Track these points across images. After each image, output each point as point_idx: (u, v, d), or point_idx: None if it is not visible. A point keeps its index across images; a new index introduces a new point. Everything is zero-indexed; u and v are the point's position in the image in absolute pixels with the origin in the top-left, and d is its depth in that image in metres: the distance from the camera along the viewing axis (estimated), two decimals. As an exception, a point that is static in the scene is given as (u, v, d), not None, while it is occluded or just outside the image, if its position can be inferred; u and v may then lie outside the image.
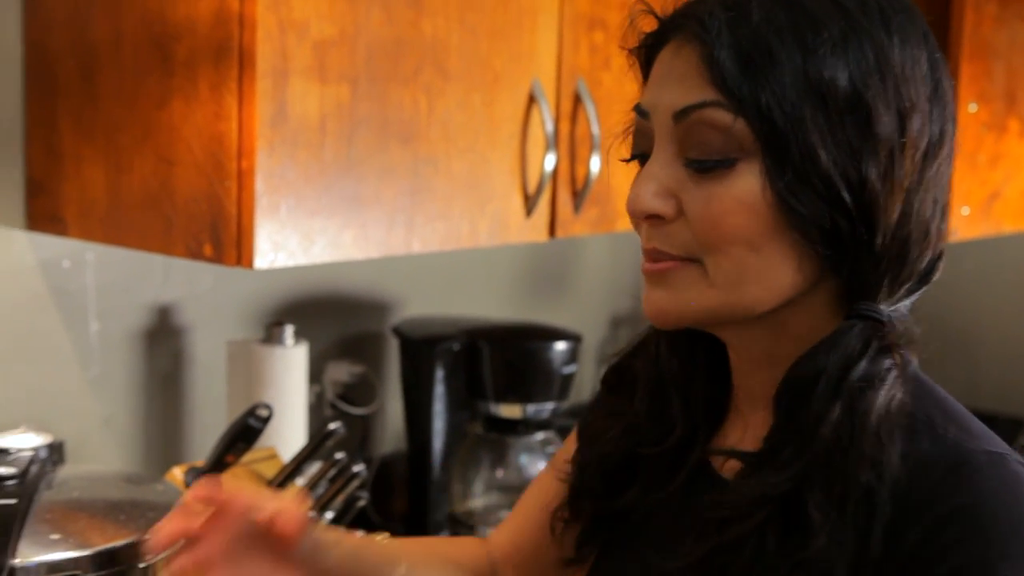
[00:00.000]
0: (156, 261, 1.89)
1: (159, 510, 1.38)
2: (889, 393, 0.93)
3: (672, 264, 0.97)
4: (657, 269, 0.98)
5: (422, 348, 2.11)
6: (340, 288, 2.21)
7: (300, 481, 1.71)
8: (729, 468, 1.03)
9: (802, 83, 0.92)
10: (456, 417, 2.13)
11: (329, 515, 1.60)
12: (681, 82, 0.96)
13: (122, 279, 1.86)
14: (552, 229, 1.86)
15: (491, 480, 2.11)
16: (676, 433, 1.08)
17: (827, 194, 0.92)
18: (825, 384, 0.93)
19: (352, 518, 1.67)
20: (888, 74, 0.93)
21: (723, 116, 0.93)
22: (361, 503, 1.61)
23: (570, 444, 1.22)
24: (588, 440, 1.16)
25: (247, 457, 1.66)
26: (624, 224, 2.01)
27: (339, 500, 1.62)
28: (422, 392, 2.11)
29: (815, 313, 0.98)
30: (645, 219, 0.99)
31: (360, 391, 2.21)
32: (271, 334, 1.89)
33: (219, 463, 1.59)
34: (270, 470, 1.71)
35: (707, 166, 0.94)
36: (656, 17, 1.02)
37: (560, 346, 2.09)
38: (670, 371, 1.09)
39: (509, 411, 2.10)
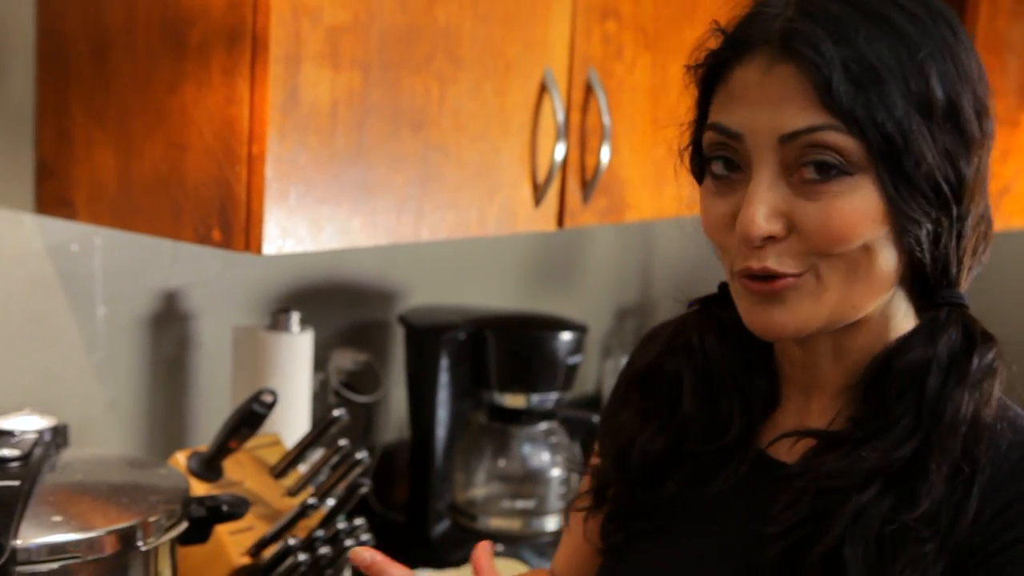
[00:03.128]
0: (164, 246, 1.88)
1: (162, 494, 1.38)
2: (1000, 379, 1.03)
3: (788, 281, 1.00)
4: (773, 289, 1.01)
5: (427, 337, 2.10)
6: (347, 276, 2.21)
7: (303, 468, 1.71)
8: (793, 452, 1.07)
9: (908, 99, 0.97)
10: (460, 406, 2.13)
11: (331, 502, 1.60)
12: (782, 105, 0.98)
13: (130, 264, 1.85)
14: (561, 219, 1.86)
15: (494, 470, 2.10)
16: (734, 429, 1.11)
17: (935, 196, 0.98)
18: (937, 369, 1.01)
19: (354, 505, 1.67)
20: (967, 79, 1.00)
21: (839, 138, 0.96)
22: (363, 490, 1.60)
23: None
24: (615, 438, 1.17)
25: (251, 443, 1.66)
26: (632, 215, 2.01)
27: (341, 487, 1.61)
28: (426, 381, 2.11)
29: (892, 305, 1.04)
30: (759, 241, 1.00)
31: (365, 379, 2.21)
32: (277, 321, 1.88)
33: (223, 448, 1.59)
34: (273, 456, 1.71)
35: (823, 184, 0.98)
36: (725, 34, 1.03)
37: (565, 336, 2.09)
38: (725, 367, 1.12)
39: (513, 401, 2.10)
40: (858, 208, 0.97)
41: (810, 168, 0.97)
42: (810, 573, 0.99)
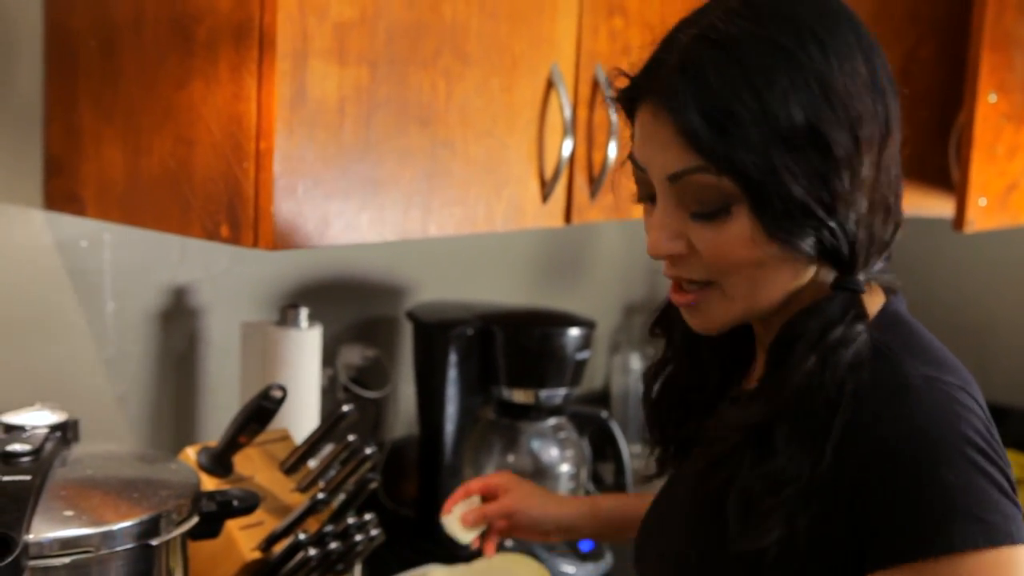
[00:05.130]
0: (172, 242, 1.89)
1: (172, 488, 1.39)
2: (857, 349, 1.10)
3: (695, 295, 1.16)
4: (685, 302, 1.17)
5: (436, 332, 2.11)
6: (355, 272, 2.21)
7: (312, 463, 1.72)
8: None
9: (765, 132, 1.07)
10: (468, 402, 2.13)
11: (341, 497, 1.60)
12: (665, 149, 1.11)
13: (139, 260, 1.86)
14: (568, 215, 1.86)
15: (502, 465, 2.11)
16: (712, 381, 1.29)
17: (807, 217, 1.09)
18: (804, 342, 1.11)
19: (364, 500, 1.68)
20: (834, 99, 1.08)
21: (709, 178, 1.09)
22: (373, 485, 1.61)
23: None
24: (649, 383, 1.36)
25: (260, 438, 1.67)
26: (640, 212, 2.01)
27: (351, 482, 1.62)
28: (435, 376, 2.11)
29: (816, 287, 1.15)
30: (666, 258, 1.16)
31: (373, 375, 2.21)
32: (286, 316, 1.89)
33: (232, 444, 1.59)
34: (283, 451, 1.71)
35: (706, 216, 1.11)
36: (628, 78, 1.17)
37: (573, 332, 2.09)
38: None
39: (522, 396, 2.10)
40: (740, 235, 1.10)
41: (695, 203, 1.11)
42: (716, 512, 1.14)
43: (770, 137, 1.06)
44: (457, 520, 1.54)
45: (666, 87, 1.10)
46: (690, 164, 1.09)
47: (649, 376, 1.36)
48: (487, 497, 1.63)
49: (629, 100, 1.17)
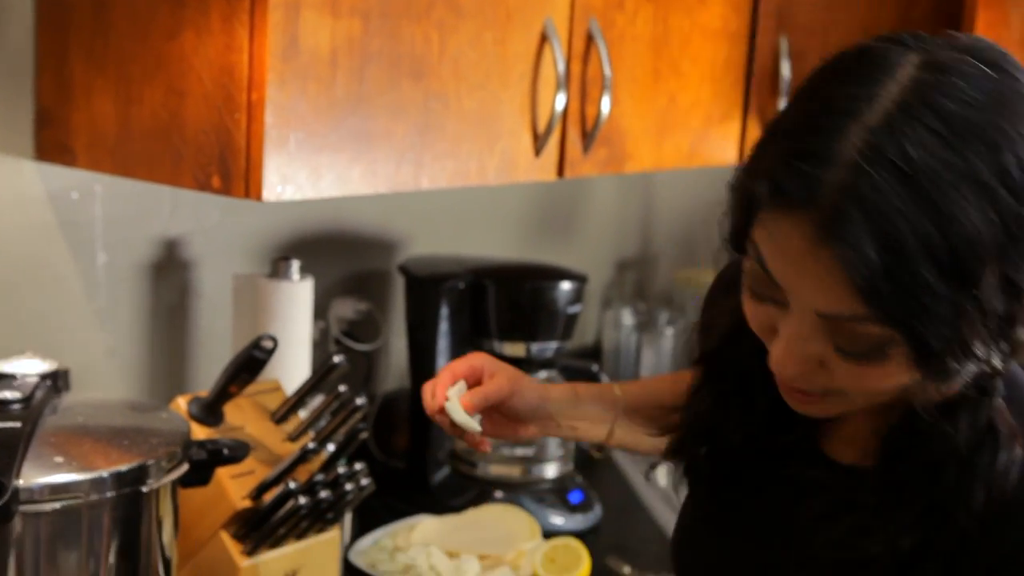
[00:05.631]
0: (164, 194, 1.89)
1: (162, 436, 1.39)
2: (1019, 472, 1.00)
3: (817, 401, 1.03)
4: (803, 400, 1.04)
5: (428, 286, 2.11)
6: (347, 225, 2.21)
7: (303, 414, 1.73)
8: (841, 453, 1.12)
9: (956, 290, 0.91)
10: (460, 355, 2.10)
11: (331, 447, 1.61)
12: (822, 284, 0.94)
13: (130, 212, 1.86)
14: (561, 169, 1.86)
15: (494, 418, 2.11)
16: (798, 428, 1.13)
17: (977, 361, 0.95)
18: (957, 466, 1.00)
19: (355, 451, 1.69)
20: (1014, 240, 0.93)
21: (873, 328, 0.94)
22: (363, 436, 1.61)
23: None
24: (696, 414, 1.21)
25: (251, 389, 1.67)
26: (633, 166, 2.01)
27: (341, 432, 1.63)
28: (427, 330, 2.12)
29: None
30: None
31: (365, 328, 2.22)
32: (277, 268, 1.89)
33: (223, 393, 1.60)
34: (274, 402, 1.72)
35: (855, 355, 0.96)
36: (777, 184, 0.94)
37: (565, 286, 2.10)
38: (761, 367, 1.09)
39: (513, 350, 2.10)
40: (890, 373, 0.97)
41: (845, 341, 0.96)
42: None
43: (961, 297, 0.91)
44: (460, 407, 1.34)
45: (832, 212, 0.91)
46: (855, 312, 0.93)
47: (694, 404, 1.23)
48: (471, 383, 1.39)
49: (755, 197, 0.97)
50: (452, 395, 1.33)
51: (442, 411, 1.31)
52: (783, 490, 1.15)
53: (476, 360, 1.38)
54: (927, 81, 0.93)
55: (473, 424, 1.31)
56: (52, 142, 1.67)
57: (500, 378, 1.35)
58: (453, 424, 1.32)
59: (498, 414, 1.36)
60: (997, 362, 0.97)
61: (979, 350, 0.94)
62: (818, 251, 0.92)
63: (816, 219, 0.91)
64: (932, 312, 0.91)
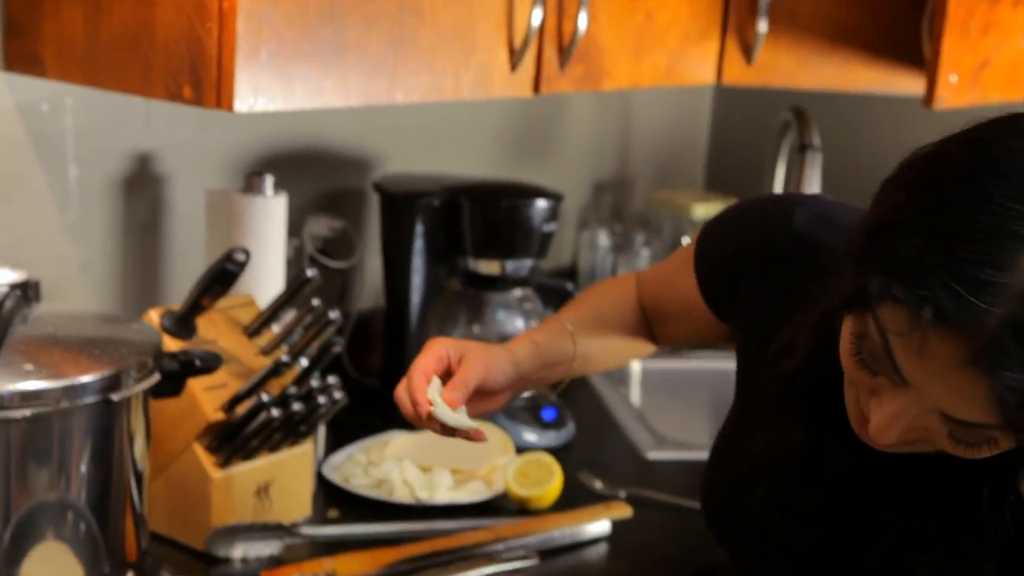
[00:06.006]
0: (136, 107, 1.87)
1: (134, 346, 1.39)
2: None
3: (901, 444, 1.01)
4: (890, 447, 1.02)
5: (402, 203, 2.11)
6: (321, 142, 2.20)
7: (276, 328, 1.72)
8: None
9: None
10: (435, 273, 2.14)
11: (304, 361, 1.61)
12: (961, 397, 0.93)
13: (102, 125, 1.84)
14: (537, 85, 1.85)
15: (468, 336, 2.12)
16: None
17: None
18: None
19: (328, 366, 1.69)
20: None
21: (999, 434, 0.94)
22: (336, 349, 1.61)
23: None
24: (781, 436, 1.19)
25: (224, 303, 1.67)
26: (610, 83, 1.99)
27: (314, 346, 1.62)
28: (401, 247, 2.12)
29: None
30: None
31: (340, 245, 2.21)
32: (251, 183, 1.88)
33: (195, 306, 1.59)
34: (247, 316, 1.72)
35: (966, 443, 0.97)
36: (935, 302, 0.90)
37: (541, 204, 2.09)
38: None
39: (488, 267, 2.10)
40: (995, 450, 0.97)
41: (961, 433, 0.96)
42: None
43: None
44: (447, 408, 1.27)
45: (991, 341, 0.88)
46: (984, 421, 0.93)
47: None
48: (441, 374, 1.34)
49: (888, 290, 0.93)
50: (434, 398, 1.27)
51: (430, 418, 1.26)
52: (858, 526, 1.15)
53: (439, 349, 1.32)
54: None
55: (467, 422, 1.26)
56: (21, 52, 1.65)
57: (471, 361, 1.31)
58: (445, 427, 1.26)
59: (475, 394, 1.32)
60: None
61: None
62: (964, 368, 0.90)
63: (974, 344, 0.89)
64: None
